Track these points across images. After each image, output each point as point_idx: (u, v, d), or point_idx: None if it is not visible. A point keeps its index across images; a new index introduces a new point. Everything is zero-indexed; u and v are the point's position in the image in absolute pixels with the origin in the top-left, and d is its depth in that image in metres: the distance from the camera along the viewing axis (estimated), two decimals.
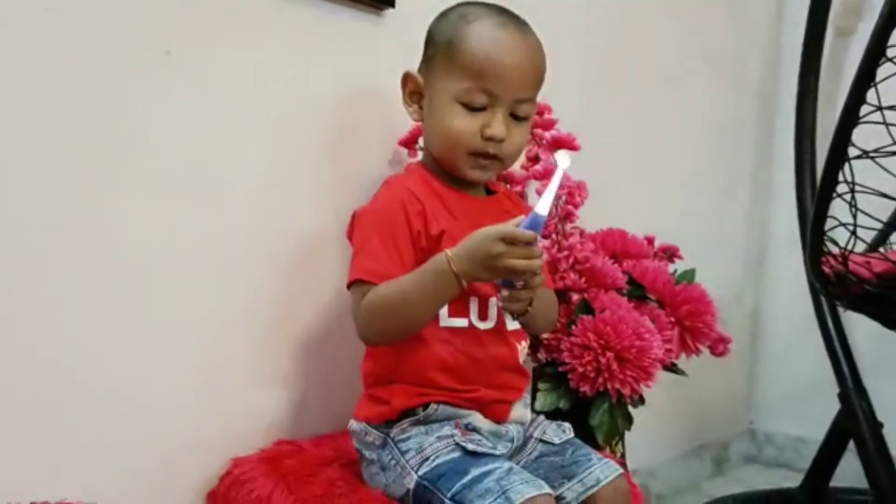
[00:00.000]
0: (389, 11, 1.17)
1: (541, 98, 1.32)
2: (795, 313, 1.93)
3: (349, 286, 0.93)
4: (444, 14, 1.00)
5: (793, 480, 1.84)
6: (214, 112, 1.00)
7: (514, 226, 0.86)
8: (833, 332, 1.78)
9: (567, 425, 1.01)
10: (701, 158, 1.91)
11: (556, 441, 0.97)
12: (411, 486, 0.87)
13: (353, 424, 0.96)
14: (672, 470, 1.90)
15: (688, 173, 1.87)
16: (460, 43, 0.94)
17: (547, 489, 0.83)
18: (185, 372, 0.99)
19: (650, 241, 1.46)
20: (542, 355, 1.21)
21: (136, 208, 0.94)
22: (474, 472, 0.84)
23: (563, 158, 0.88)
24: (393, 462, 0.90)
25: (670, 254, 1.49)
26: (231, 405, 1.03)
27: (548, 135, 1.20)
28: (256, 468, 0.95)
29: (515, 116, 0.96)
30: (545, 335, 1.19)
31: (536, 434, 0.99)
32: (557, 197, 1.13)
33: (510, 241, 0.84)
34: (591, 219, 1.41)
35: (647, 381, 1.15)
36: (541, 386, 1.19)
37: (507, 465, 0.86)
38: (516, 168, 1.26)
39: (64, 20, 0.86)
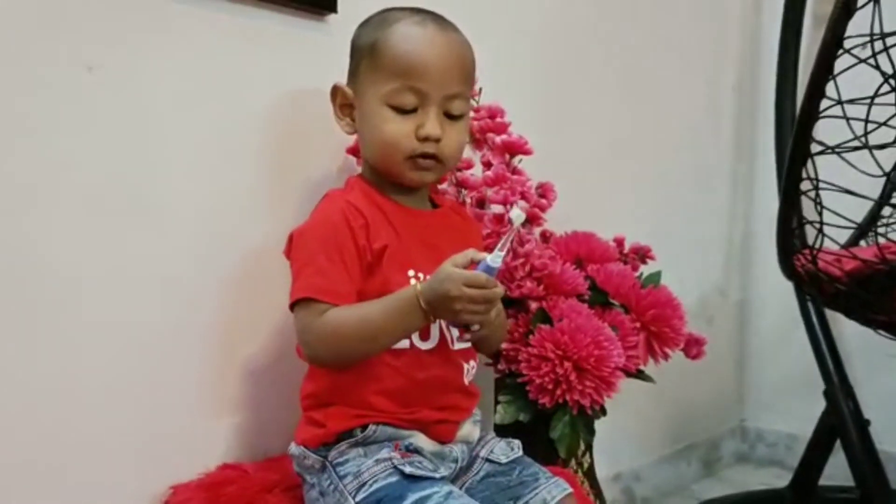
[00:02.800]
0: (332, 17, 1.13)
1: (498, 100, 1.29)
2: (783, 306, 1.89)
3: (293, 305, 0.89)
4: (365, 22, 0.98)
5: (785, 479, 1.80)
6: (144, 127, 0.97)
7: (470, 263, 0.85)
8: (818, 328, 1.74)
9: (517, 442, 0.98)
10: (675, 154, 1.87)
11: (504, 460, 0.94)
12: None
13: (293, 448, 0.93)
14: (658, 472, 1.86)
15: (662, 169, 1.83)
16: (383, 45, 0.92)
17: None
18: (127, 396, 0.96)
19: (619, 242, 1.42)
20: (501, 366, 1.18)
21: (68, 230, 0.91)
22: (412, 498, 0.81)
23: (517, 215, 0.87)
24: (332, 487, 0.87)
25: (642, 254, 1.45)
26: (174, 428, 1.00)
27: (499, 139, 1.17)
28: (195, 496, 0.92)
29: (449, 115, 0.94)
30: (505, 346, 1.16)
31: (483, 453, 0.95)
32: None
33: (472, 285, 0.83)
34: (560, 220, 1.38)
35: (608, 392, 1.11)
36: (500, 398, 1.16)
37: (446, 488, 0.83)
38: (474, 174, 1.23)
39: None
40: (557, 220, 1.38)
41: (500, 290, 0.85)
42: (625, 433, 1.79)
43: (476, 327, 0.88)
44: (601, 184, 1.70)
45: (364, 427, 0.88)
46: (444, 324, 0.92)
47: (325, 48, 1.13)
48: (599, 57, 1.66)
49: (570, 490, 0.90)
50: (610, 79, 1.69)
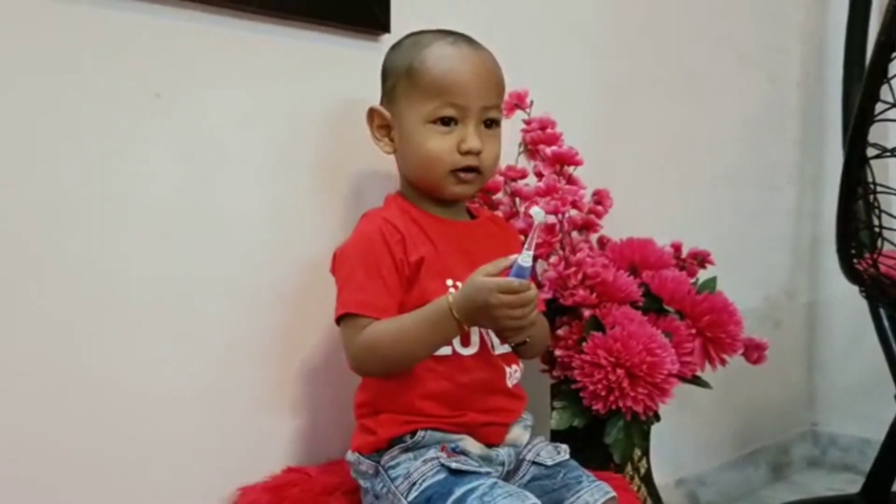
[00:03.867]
0: (385, 36, 1.17)
1: (552, 107, 1.31)
2: (854, 308, 1.84)
3: (338, 320, 0.94)
4: (396, 45, 1.03)
5: (858, 485, 1.75)
6: (206, 147, 1.02)
7: (502, 269, 0.87)
8: (889, 330, 1.70)
9: (564, 447, 1.00)
10: (735, 154, 1.85)
11: (549, 463, 0.96)
12: None
13: (349, 455, 0.97)
14: (724, 477, 1.85)
15: (721, 170, 1.81)
16: (420, 67, 0.97)
17: (533, 500, 0.83)
18: (193, 402, 1.02)
19: (677, 247, 1.42)
20: (557, 373, 1.20)
21: (137, 245, 0.97)
22: (458, 492, 0.85)
23: (537, 212, 0.89)
24: (385, 490, 0.91)
25: (701, 259, 1.44)
26: (240, 434, 1.06)
27: (549, 150, 1.19)
28: (260, 498, 0.97)
29: (487, 126, 0.98)
30: (559, 353, 1.18)
31: (529, 456, 0.98)
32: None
33: (506, 291, 0.85)
34: (620, 226, 1.39)
35: (661, 398, 1.12)
36: (556, 404, 1.18)
37: (490, 480, 0.86)
38: (528, 184, 1.25)
39: (60, 72, 0.91)
40: (616, 226, 1.39)
41: (534, 291, 0.87)
42: (688, 438, 1.78)
43: (521, 338, 0.90)
44: (659, 187, 1.70)
45: (413, 433, 0.92)
46: (484, 330, 0.95)
47: (379, 66, 1.17)
48: (653, 59, 1.66)
49: (613, 494, 0.91)
50: (664, 80, 1.68)
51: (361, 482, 0.96)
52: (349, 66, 1.16)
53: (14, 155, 0.88)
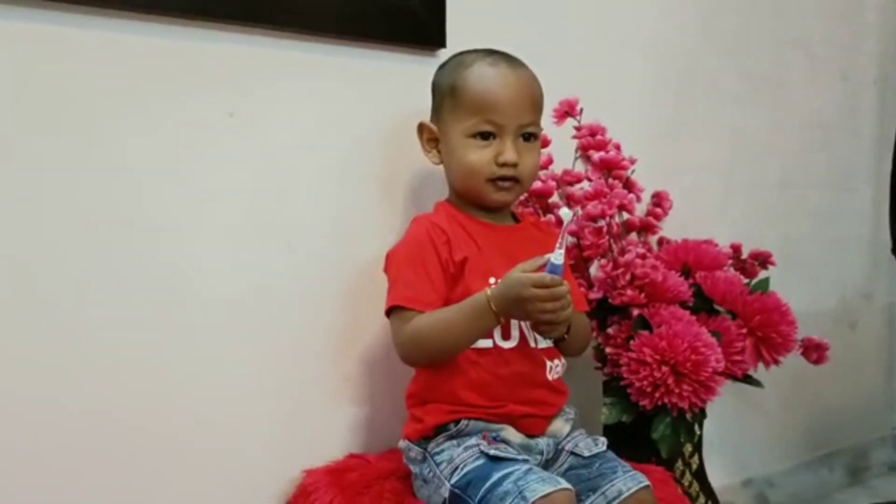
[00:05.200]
0: (442, 51, 1.24)
1: (612, 110, 1.36)
2: None
3: (388, 313, 1.02)
4: (443, 65, 1.11)
5: None
6: (274, 161, 1.12)
7: (537, 267, 0.93)
8: None
9: (602, 439, 1.05)
10: (805, 154, 1.83)
11: (587, 454, 1.01)
12: (446, 495, 0.95)
13: (401, 443, 1.05)
14: (795, 479, 1.83)
15: (790, 171, 1.80)
16: (462, 86, 1.05)
17: (565, 484, 0.89)
18: (265, 394, 1.12)
19: (736, 248, 1.44)
20: (607, 370, 1.24)
21: (215, 252, 1.08)
22: (495, 476, 0.91)
23: (566, 214, 0.96)
24: (431, 474, 0.98)
25: (762, 260, 1.46)
26: (306, 422, 1.15)
27: (597, 156, 1.23)
28: (322, 479, 1.06)
29: (525, 139, 1.05)
30: (609, 350, 1.22)
31: (568, 447, 1.03)
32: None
33: (538, 285, 0.92)
34: (684, 228, 1.42)
35: (707, 395, 1.15)
36: (605, 400, 1.23)
37: (526, 466, 0.92)
38: (583, 187, 1.29)
39: (148, 96, 1.02)
40: (682, 227, 1.43)
41: (565, 287, 0.93)
42: (755, 438, 1.78)
43: (558, 333, 0.96)
44: (726, 189, 1.71)
45: (457, 422, 1.00)
46: (523, 325, 1.01)
47: None
48: (715, 59, 1.67)
49: (647, 483, 0.96)
50: (727, 80, 1.69)
51: (412, 467, 1.03)
52: (408, 79, 1.23)
53: (103, 172, 0.99)
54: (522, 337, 1.02)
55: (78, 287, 0.97)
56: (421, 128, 1.11)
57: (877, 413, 2.06)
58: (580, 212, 1.21)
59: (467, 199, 1.08)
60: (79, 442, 0.97)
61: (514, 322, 1.01)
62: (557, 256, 0.92)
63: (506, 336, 1.01)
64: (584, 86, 1.40)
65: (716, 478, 1.39)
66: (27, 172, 0.94)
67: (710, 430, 1.39)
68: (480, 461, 0.94)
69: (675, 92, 1.61)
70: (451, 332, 0.97)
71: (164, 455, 1.04)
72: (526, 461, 0.95)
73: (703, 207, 1.65)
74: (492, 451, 0.95)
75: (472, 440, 0.98)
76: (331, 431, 1.17)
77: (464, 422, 0.99)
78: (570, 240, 1.22)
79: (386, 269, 1.06)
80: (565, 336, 1.01)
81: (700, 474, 1.30)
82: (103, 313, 0.99)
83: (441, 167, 1.13)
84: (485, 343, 1.00)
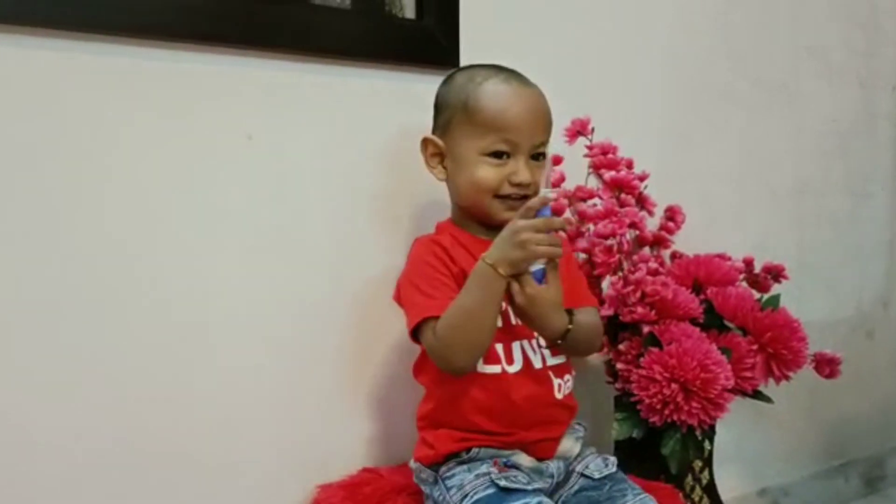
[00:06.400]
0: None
1: (624, 124, 1.36)
2: None
3: (413, 335, 1.01)
4: (449, 79, 1.10)
5: None
6: (288, 181, 1.15)
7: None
8: None
9: (612, 459, 1.06)
10: (820, 161, 1.83)
11: (597, 475, 1.02)
12: None
13: (411, 463, 1.07)
14: (811, 488, 1.84)
15: (805, 178, 1.80)
16: (476, 103, 1.03)
17: None
18: (280, 409, 1.15)
19: (748, 262, 1.44)
20: (619, 385, 1.26)
21: (230, 267, 1.11)
22: None
23: (545, 192, 0.98)
24: (441, 498, 1.00)
25: (775, 273, 1.46)
26: (321, 437, 1.18)
27: (607, 175, 1.25)
28: (336, 494, 1.09)
29: (534, 158, 1.05)
30: (620, 366, 1.24)
31: (579, 468, 1.04)
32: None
33: (524, 214, 0.95)
34: (698, 239, 1.43)
35: (716, 413, 1.16)
36: (616, 415, 1.24)
37: (536, 499, 0.93)
38: (595, 204, 1.31)
39: (171, 117, 1.05)
40: (695, 239, 1.43)
41: (558, 220, 0.97)
42: (771, 448, 1.79)
43: (544, 261, 0.97)
44: (740, 198, 1.71)
45: (468, 450, 1.01)
46: (525, 347, 1.02)
47: None
48: (728, 68, 1.67)
49: None
50: (740, 89, 1.69)
51: (423, 487, 1.05)
52: (419, 100, 1.24)
53: (127, 193, 1.02)
54: (525, 360, 1.03)
55: (96, 303, 1.00)
56: (425, 143, 1.09)
57: (893, 422, 2.05)
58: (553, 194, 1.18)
59: (471, 215, 1.07)
60: (92, 452, 1.00)
61: (515, 345, 1.02)
62: (546, 193, 0.97)
63: (509, 361, 1.02)
64: (599, 96, 1.42)
65: (731, 487, 1.40)
66: (53, 193, 0.98)
67: (726, 439, 1.40)
68: (491, 490, 0.95)
69: (690, 100, 1.61)
70: (468, 312, 0.95)
71: (179, 470, 1.07)
72: (537, 492, 0.96)
73: (719, 215, 1.66)
74: (503, 482, 0.95)
75: (483, 467, 0.98)
76: (344, 446, 1.20)
77: (475, 449, 1.00)
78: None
79: (398, 298, 1.06)
80: (569, 328, 0.99)
81: (710, 489, 1.31)
82: (121, 329, 1.02)
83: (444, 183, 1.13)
84: (492, 369, 1.01)
